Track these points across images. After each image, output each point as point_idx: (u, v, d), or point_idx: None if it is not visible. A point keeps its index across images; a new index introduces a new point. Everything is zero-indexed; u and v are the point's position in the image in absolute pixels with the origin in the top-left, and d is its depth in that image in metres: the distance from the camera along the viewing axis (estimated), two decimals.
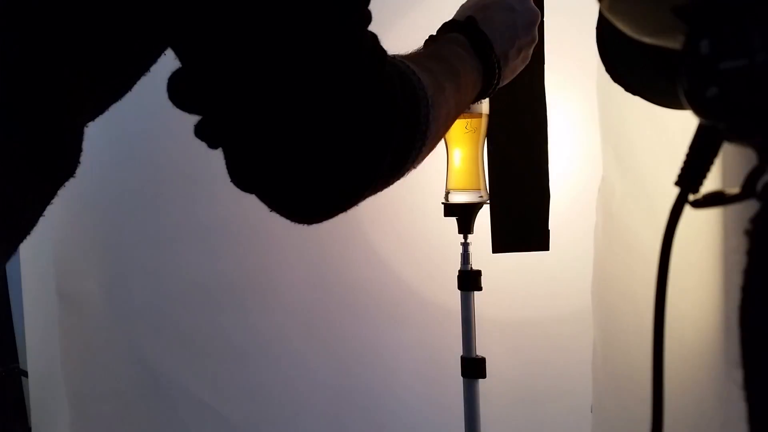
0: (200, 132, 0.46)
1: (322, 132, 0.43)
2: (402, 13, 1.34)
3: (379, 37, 0.48)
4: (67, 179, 0.46)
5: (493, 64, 0.66)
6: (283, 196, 0.47)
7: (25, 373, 1.63)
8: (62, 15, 0.40)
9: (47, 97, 0.41)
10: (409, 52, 0.60)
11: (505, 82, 0.72)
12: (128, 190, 1.44)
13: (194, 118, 0.47)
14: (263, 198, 0.47)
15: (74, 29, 0.41)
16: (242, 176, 0.46)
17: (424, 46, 0.66)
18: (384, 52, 0.48)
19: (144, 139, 1.39)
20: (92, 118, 0.48)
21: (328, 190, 0.46)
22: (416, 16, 1.35)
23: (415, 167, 0.54)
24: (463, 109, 0.65)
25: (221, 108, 0.45)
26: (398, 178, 0.52)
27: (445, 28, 0.68)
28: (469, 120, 0.97)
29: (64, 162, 0.45)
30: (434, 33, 0.69)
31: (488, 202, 1.01)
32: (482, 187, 1.00)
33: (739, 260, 0.33)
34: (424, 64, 0.54)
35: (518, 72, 0.76)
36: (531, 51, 0.76)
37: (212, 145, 0.46)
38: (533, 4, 0.75)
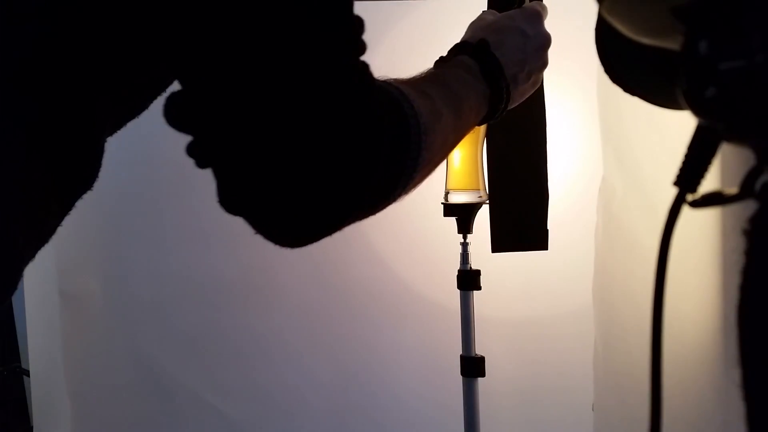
0: (191, 151, 0.47)
1: (305, 157, 0.44)
2: (398, 18, 1.34)
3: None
4: (85, 192, 0.48)
5: (501, 89, 0.66)
6: (268, 220, 0.48)
7: (27, 372, 1.63)
8: (86, 47, 0.43)
9: (74, 118, 0.44)
10: (414, 75, 0.60)
11: (514, 105, 0.72)
12: (129, 190, 1.44)
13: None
14: (250, 221, 0.47)
15: (98, 58, 0.43)
16: (230, 199, 0.47)
17: (434, 66, 0.66)
18: (372, 80, 0.48)
19: (144, 139, 1.38)
20: (110, 134, 0.50)
21: (311, 214, 0.47)
22: (412, 21, 1.35)
23: (408, 192, 0.54)
24: (463, 134, 0.64)
25: (213, 129, 0.46)
26: (390, 203, 0.52)
27: (456, 49, 0.68)
28: None
29: (86, 176, 0.47)
30: (444, 54, 0.68)
31: (487, 202, 1.01)
32: (481, 187, 1.00)
33: (738, 260, 0.33)
34: (423, 90, 0.54)
35: (528, 96, 0.75)
36: (542, 75, 0.76)
37: (201, 165, 0.47)
38: (545, 28, 0.74)
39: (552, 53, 0.95)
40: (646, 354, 0.38)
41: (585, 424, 1.23)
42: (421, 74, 0.61)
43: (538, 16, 0.74)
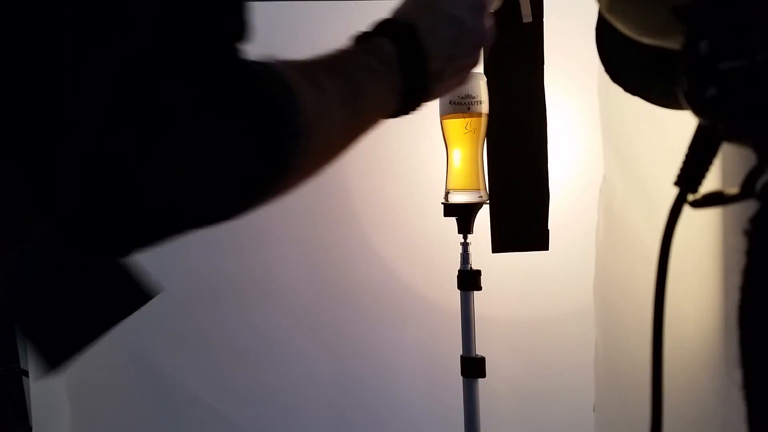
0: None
1: (142, 155, 0.36)
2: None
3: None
4: None
5: (418, 85, 0.59)
6: (88, 222, 0.38)
7: (26, 373, 1.63)
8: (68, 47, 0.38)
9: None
10: (319, 55, 0.53)
11: (432, 100, 0.64)
12: None
13: None
14: (60, 223, 0.39)
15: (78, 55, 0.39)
16: (43, 194, 0.38)
17: (349, 44, 0.58)
18: (242, 69, 0.41)
19: None
20: None
21: (141, 223, 0.39)
22: None
23: (285, 194, 0.48)
24: (360, 133, 0.56)
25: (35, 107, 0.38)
26: (250, 211, 0.45)
27: (381, 28, 0.59)
28: (469, 120, 0.97)
29: None
30: (366, 30, 0.60)
31: (488, 202, 1.01)
32: (482, 187, 1.00)
33: (739, 260, 0.33)
34: (317, 80, 0.48)
35: (451, 90, 0.68)
36: (469, 73, 0.68)
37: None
38: (486, 24, 0.66)
39: (552, 53, 0.95)
40: (647, 354, 0.38)
41: (586, 424, 1.23)
42: (325, 56, 0.53)
43: (482, 6, 0.65)
